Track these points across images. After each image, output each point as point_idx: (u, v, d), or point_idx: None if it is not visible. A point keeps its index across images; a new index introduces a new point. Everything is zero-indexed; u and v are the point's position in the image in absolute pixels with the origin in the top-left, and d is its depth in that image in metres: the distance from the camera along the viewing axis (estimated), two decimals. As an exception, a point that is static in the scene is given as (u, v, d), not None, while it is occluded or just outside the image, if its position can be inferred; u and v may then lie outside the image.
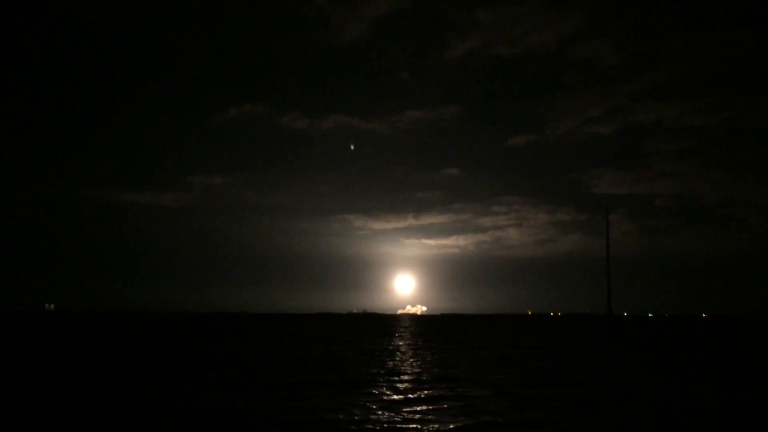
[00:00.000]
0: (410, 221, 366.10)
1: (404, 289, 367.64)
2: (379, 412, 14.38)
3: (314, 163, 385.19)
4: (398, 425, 12.89)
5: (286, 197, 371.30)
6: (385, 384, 19.65)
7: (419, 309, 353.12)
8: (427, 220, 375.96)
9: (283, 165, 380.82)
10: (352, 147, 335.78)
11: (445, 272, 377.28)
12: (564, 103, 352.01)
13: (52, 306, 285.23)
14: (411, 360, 29.08)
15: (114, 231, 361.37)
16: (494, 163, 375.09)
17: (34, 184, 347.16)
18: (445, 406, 15.40)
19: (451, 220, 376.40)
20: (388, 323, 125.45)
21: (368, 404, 15.52)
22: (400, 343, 43.79)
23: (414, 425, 12.92)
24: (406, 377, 21.47)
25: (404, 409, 14.84)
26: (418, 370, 24.22)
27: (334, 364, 26.00)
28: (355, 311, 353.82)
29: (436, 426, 12.84)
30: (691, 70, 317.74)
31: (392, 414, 14.21)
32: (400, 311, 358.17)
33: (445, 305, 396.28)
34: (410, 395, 17.22)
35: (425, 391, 17.86)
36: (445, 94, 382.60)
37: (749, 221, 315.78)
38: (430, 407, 15.17)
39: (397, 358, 29.80)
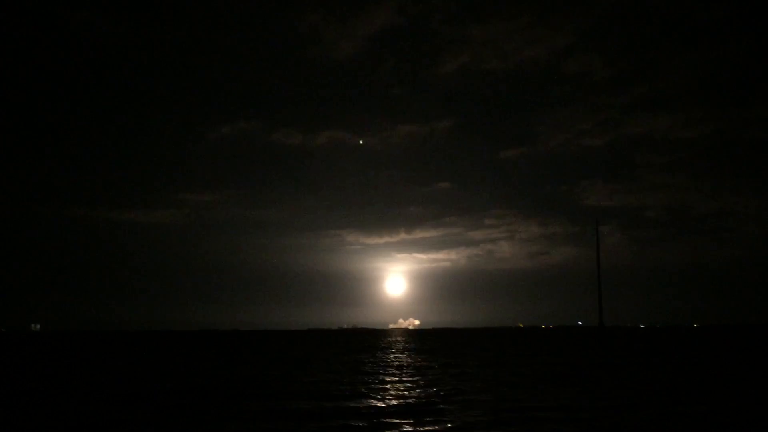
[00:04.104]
0: (402, 236, 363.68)
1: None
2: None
3: (306, 179, 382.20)
4: None
5: (278, 213, 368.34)
6: (458, 416, 17.75)
7: (411, 323, 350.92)
8: (419, 234, 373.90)
9: (275, 181, 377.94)
10: (361, 142, 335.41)
11: (436, 286, 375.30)
12: (555, 116, 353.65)
13: (38, 326, 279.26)
14: (451, 380, 27.13)
15: (102, 249, 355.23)
16: (486, 177, 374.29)
17: (22, 202, 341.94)
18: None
19: (443, 233, 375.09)
20: (385, 338, 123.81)
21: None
22: (420, 360, 42.06)
23: None
24: (480, 398, 19.40)
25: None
26: (467, 390, 22.35)
27: (377, 386, 24.24)
28: (345, 326, 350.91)
29: None
30: (681, 83, 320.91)
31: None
32: (391, 325, 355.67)
33: (437, 319, 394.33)
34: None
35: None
36: (437, 109, 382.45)
37: (740, 232, 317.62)
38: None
39: (434, 378, 27.92)
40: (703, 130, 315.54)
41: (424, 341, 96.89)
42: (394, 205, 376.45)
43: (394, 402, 19.58)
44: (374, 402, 19.60)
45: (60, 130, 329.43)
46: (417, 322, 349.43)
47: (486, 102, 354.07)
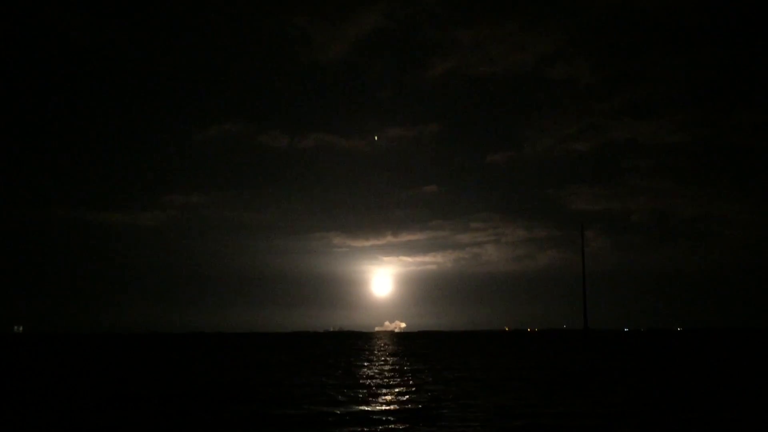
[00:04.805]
0: (389, 238, 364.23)
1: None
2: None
3: (293, 181, 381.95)
4: None
5: (265, 215, 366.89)
6: (458, 422, 17.39)
7: (397, 326, 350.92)
8: (406, 237, 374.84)
9: (262, 183, 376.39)
10: (376, 138, 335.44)
11: (423, 289, 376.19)
12: (542, 121, 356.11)
13: (21, 328, 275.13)
14: (444, 384, 26.72)
15: (87, 251, 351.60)
16: (473, 181, 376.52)
17: (4, 203, 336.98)
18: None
19: (429, 237, 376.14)
20: (371, 341, 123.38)
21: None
22: (410, 364, 41.57)
23: None
24: (477, 403, 19.05)
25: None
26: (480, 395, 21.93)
27: (371, 391, 23.85)
28: (331, 329, 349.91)
29: None
30: (666, 89, 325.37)
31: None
32: (377, 328, 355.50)
33: (422, 322, 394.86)
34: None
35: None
36: (425, 113, 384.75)
37: (724, 236, 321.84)
38: None
39: (427, 382, 27.50)
40: (687, 135, 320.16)
41: (411, 345, 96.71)
42: (380, 208, 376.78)
43: (391, 407, 19.31)
44: (371, 407, 19.33)
45: (43, 131, 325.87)
46: (403, 325, 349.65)
47: (473, 106, 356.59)
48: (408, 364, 42.76)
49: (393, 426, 15.93)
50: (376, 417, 17.35)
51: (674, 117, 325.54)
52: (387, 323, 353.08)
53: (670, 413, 18.17)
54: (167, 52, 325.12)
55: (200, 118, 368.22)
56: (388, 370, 35.74)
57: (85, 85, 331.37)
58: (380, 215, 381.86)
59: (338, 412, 18.26)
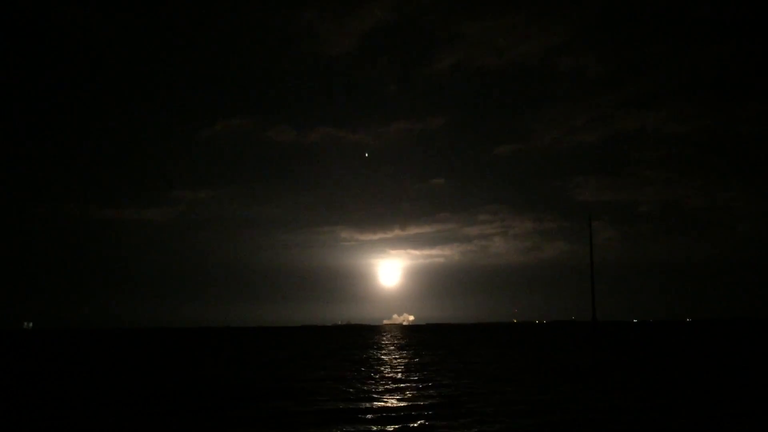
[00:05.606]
0: (396, 232, 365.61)
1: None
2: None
3: (301, 175, 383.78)
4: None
5: (273, 210, 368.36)
6: (490, 416, 16.75)
7: (406, 318, 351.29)
8: (414, 230, 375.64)
9: (269, 178, 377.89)
10: (367, 155, 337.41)
11: (430, 281, 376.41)
12: (549, 112, 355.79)
13: (31, 324, 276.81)
14: (465, 377, 26.05)
15: (95, 247, 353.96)
16: (480, 173, 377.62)
17: (14, 200, 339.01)
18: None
19: (437, 230, 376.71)
20: (381, 334, 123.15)
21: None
22: (424, 356, 40.91)
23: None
24: (502, 398, 18.41)
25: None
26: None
27: (391, 385, 23.23)
28: (339, 323, 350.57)
29: None
30: (673, 80, 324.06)
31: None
32: (385, 321, 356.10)
33: (431, 314, 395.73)
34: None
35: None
36: (431, 106, 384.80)
37: (731, 227, 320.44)
38: None
39: (445, 374, 26.84)
40: (694, 125, 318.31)
41: (421, 337, 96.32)
42: (388, 201, 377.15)
43: (414, 402, 18.62)
44: (393, 403, 18.66)
45: (52, 129, 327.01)
46: (411, 318, 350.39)
47: (480, 99, 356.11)
48: (422, 356, 42.27)
49: (421, 422, 15.31)
50: (401, 413, 16.70)
51: (681, 108, 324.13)
52: (395, 316, 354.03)
53: (680, 406, 17.57)
54: (174, 48, 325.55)
55: (207, 114, 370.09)
56: (404, 363, 35.22)
57: (93, 82, 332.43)
58: (388, 209, 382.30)
59: (362, 406, 17.68)
